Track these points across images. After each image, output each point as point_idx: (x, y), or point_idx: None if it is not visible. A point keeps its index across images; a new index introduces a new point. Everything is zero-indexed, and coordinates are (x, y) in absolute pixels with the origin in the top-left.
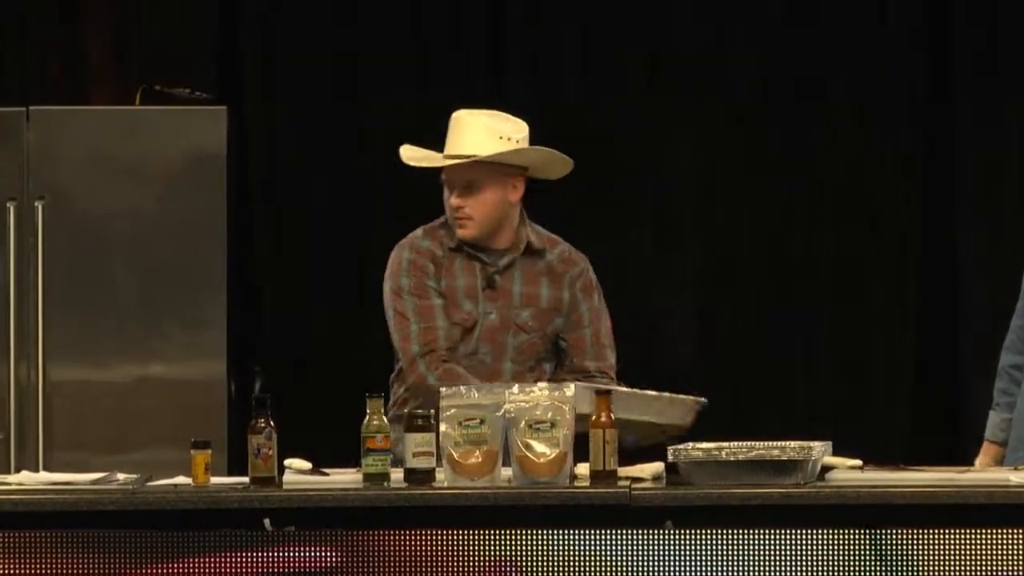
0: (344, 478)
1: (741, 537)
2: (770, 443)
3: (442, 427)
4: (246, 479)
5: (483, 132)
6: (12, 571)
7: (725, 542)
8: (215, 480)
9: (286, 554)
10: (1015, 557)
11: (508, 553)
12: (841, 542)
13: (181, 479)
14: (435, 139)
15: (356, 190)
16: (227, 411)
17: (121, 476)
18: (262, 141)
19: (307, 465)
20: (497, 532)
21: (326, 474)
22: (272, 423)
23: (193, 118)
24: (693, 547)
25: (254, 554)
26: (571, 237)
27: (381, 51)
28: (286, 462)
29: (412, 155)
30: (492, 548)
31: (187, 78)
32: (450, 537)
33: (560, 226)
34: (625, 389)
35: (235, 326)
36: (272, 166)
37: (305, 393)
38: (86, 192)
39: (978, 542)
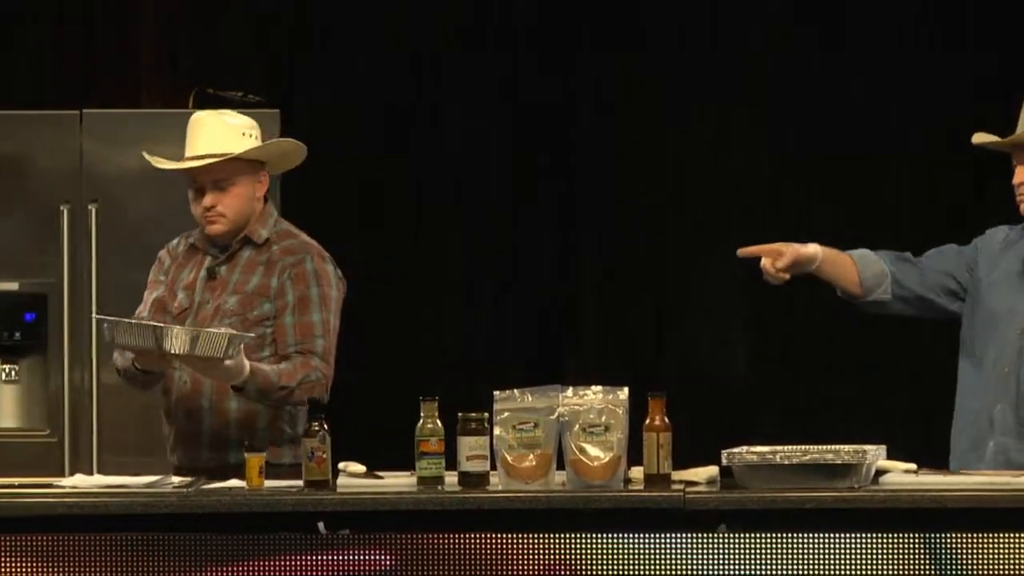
0: (398, 481)
1: (795, 541)
2: (824, 447)
3: (496, 430)
4: (300, 482)
5: (226, 131)
6: (67, 574)
7: (779, 546)
8: (269, 483)
9: (340, 557)
10: None
11: (562, 557)
12: (895, 546)
13: (235, 482)
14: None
15: (404, 191)
16: None
17: (175, 479)
18: (312, 143)
19: (361, 468)
20: (551, 536)
21: (380, 477)
22: (326, 427)
23: None
24: (747, 551)
25: (308, 557)
26: None
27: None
28: (340, 465)
29: (161, 162)
30: (546, 552)
31: (239, 81)
32: (504, 541)
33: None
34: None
35: None
36: (319, 168)
37: (359, 396)
38: (139, 195)
39: None
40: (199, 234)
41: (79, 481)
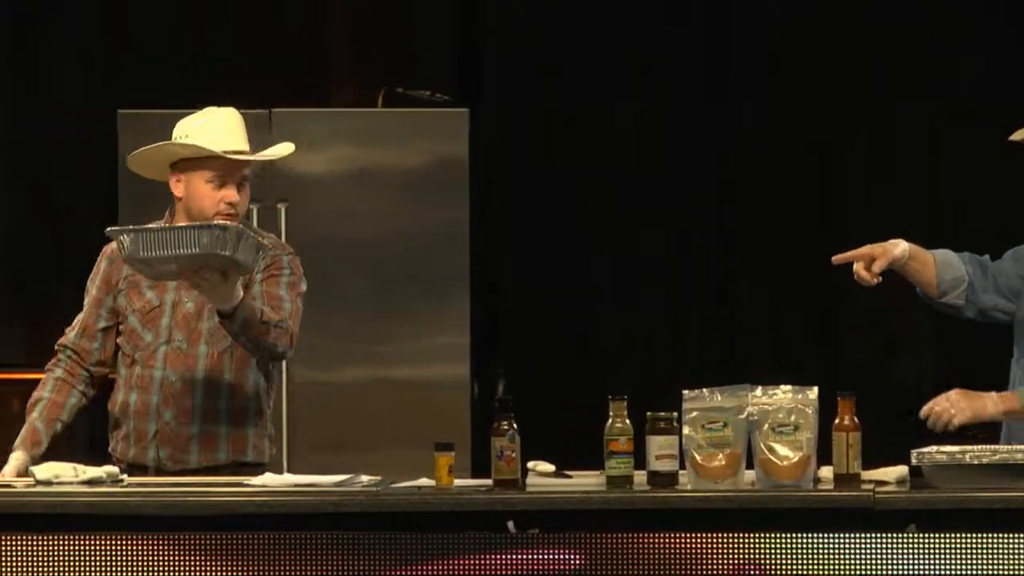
0: (587, 481)
1: (984, 541)
2: (1014, 447)
3: (685, 430)
4: (489, 481)
5: (242, 130)
6: (256, 573)
7: (968, 546)
8: (458, 482)
9: (529, 557)
10: None
11: (751, 557)
12: None
13: (424, 481)
14: None
15: (594, 191)
16: (470, 413)
17: (365, 478)
18: (502, 143)
19: (550, 467)
20: (740, 536)
21: (569, 476)
22: (515, 425)
23: (435, 121)
24: (936, 551)
25: (497, 556)
26: None
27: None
28: (529, 464)
29: (200, 150)
30: (735, 551)
31: (428, 80)
32: (693, 540)
33: None
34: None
35: (478, 328)
36: (512, 168)
37: (548, 395)
38: (328, 195)
39: None
40: None
41: (269, 480)
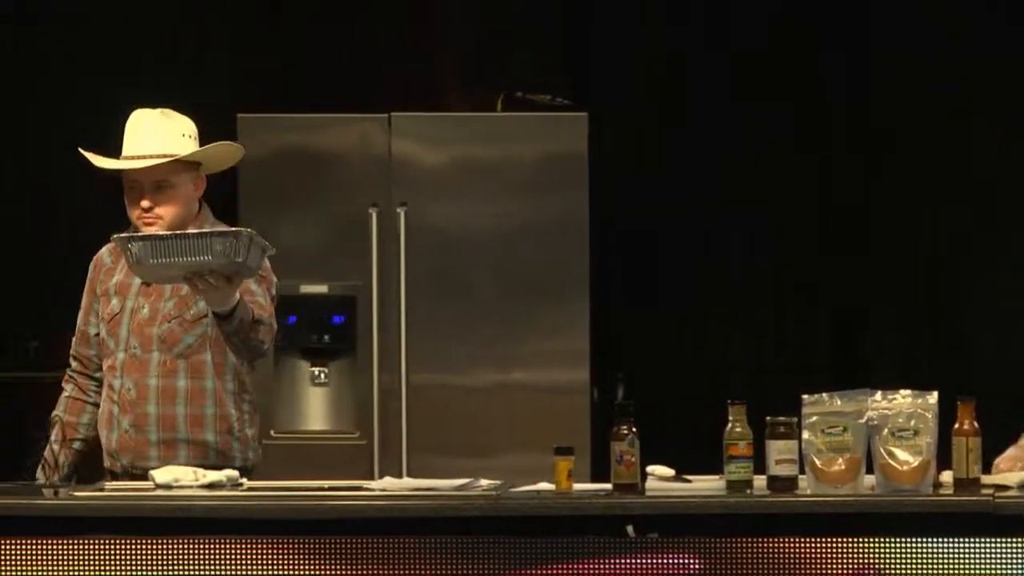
0: (707, 485)
1: None
2: None
3: (804, 434)
4: (608, 485)
5: (166, 131)
6: None
7: None
8: (578, 486)
9: (648, 561)
10: None
11: (871, 561)
12: None
13: (544, 485)
14: None
15: (709, 192)
16: (590, 417)
17: (484, 482)
18: (622, 146)
19: (669, 472)
20: (860, 540)
21: (688, 481)
22: (635, 429)
23: (554, 124)
24: None
25: (616, 561)
26: None
27: None
28: (648, 468)
29: (99, 160)
30: (855, 556)
31: (547, 84)
32: (813, 545)
33: None
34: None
35: (598, 332)
36: (630, 172)
37: (668, 399)
38: (447, 198)
39: None
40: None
41: (388, 484)
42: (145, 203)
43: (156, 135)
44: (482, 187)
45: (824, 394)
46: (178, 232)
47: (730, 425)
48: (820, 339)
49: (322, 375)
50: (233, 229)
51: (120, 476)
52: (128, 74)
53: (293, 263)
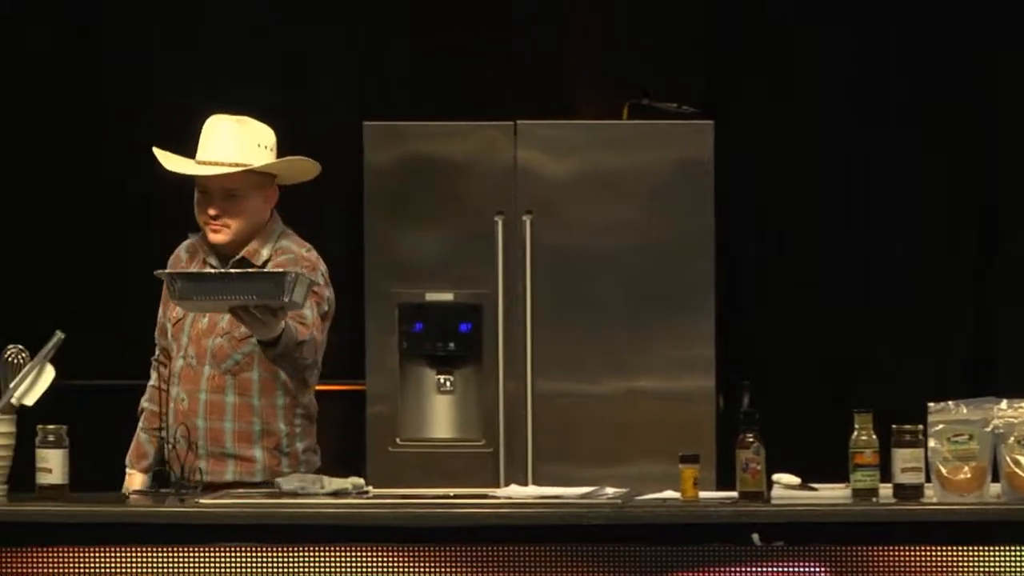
0: (832, 493)
1: None
2: None
3: (930, 443)
4: (734, 493)
5: (242, 140)
6: None
7: None
8: (703, 494)
9: (774, 569)
10: None
11: (997, 569)
12: None
13: (669, 493)
14: None
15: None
16: (715, 425)
17: (610, 490)
18: (745, 155)
19: (795, 480)
20: (986, 549)
21: (814, 489)
22: (760, 438)
23: (680, 133)
24: None
25: (742, 569)
26: None
27: None
28: (774, 477)
29: (170, 160)
30: (981, 564)
31: (675, 92)
32: (939, 553)
33: None
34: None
35: (723, 339)
36: (756, 179)
37: (793, 407)
38: (572, 206)
39: None
40: (201, 239)
41: (513, 492)
42: (212, 211)
43: (231, 143)
44: (608, 194)
45: (950, 402)
46: (222, 271)
47: (856, 433)
48: (950, 346)
49: (448, 383)
50: (279, 270)
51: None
52: (253, 78)
53: (419, 271)
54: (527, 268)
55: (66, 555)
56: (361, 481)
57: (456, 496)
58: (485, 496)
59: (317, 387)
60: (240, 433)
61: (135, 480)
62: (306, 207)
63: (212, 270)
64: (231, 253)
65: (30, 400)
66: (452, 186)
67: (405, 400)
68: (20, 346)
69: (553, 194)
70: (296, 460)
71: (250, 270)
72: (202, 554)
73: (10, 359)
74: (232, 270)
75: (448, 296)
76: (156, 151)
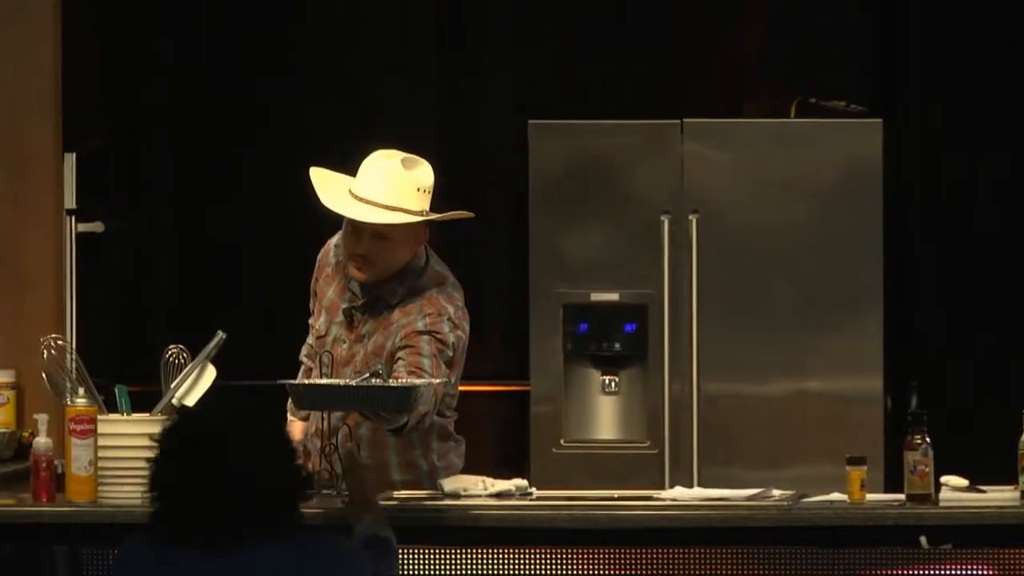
0: (1001, 496)
1: None
2: None
3: None
4: (901, 496)
5: (402, 183)
6: None
7: None
8: (870, 497)
9: (942, 572)
10: None
11: None
12: None
13: (836, 495)
14: None
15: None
16: (883, 427)
17: (776, 492)
18: (912, 156)
19: (964, 482)
20: None
21: (983, 491)
22: (929, 440)
23: (848, 132)
24: None
25: (910, 571)
26: None
27: None
28: (942, 479)
29: (327, 196)
30: None
31: (842, 91)
32: None
33: None
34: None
35: (892, 340)
36: (929, 178)
37: (961, 408)
38: (740, 206)
39: None
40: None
41: (679, 493)
42: (361, 249)
43: (390, 185)
44: (775, 193)
45: None
46: (350, 384)
47: None
48: None
49: (612, 384)
50: (407, 384)
51: None
52: (412, 77)
53: (584, 271)
54: (693, 268)
55: None
56: (525, 483)
57: (620, 498)
58: (650, 498)
59: (481, 388)
60: (377, 463)
61: (296, 428)
62: (471, 207)
63: (340, 382)
64: (369, 284)
65: (190, 401)
66: (618, 185)
67: (569, 401)
68: (181, 346)
69: (719, 193)
70: (435, 471)
71: (378, 383)
72: None
73: (171, 359)
74: (363, 384)
75: (613, 296)
76: (313, 177)
